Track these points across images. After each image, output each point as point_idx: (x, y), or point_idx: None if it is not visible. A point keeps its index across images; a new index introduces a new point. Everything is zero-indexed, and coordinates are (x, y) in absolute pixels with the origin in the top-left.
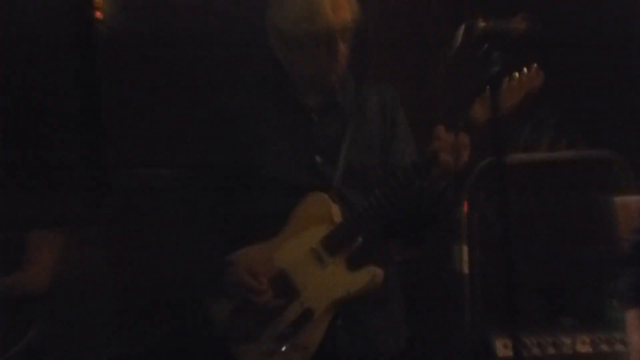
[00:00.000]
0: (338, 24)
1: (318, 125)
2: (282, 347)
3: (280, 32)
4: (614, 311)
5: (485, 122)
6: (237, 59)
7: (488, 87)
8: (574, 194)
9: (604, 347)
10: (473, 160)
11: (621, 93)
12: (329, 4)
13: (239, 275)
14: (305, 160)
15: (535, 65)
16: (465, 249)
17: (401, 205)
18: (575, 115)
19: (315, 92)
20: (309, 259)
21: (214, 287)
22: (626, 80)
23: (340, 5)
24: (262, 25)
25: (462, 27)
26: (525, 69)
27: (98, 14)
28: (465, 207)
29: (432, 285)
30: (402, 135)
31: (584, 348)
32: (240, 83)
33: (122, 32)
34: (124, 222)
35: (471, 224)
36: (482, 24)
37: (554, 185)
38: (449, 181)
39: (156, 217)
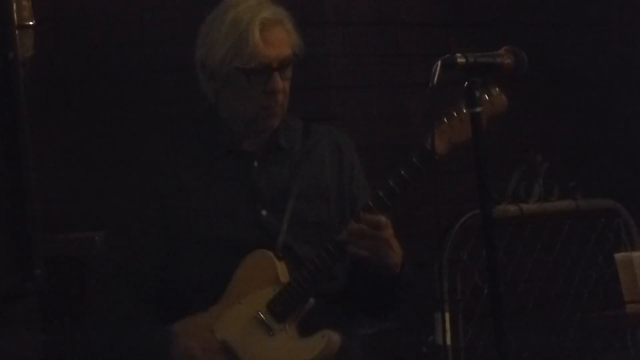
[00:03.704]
0: (272, 57)
1: (261, 173)
2: None
3: (209, 72)
4: None
5: (444, 154)
6: (164, 105)
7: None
8: (571, 250)
9: None
10: (455, 214)
11: (620, 134)
12: (260, 38)
13: (191, 349)
14: (249, 214)
15: (497, 88)
16: (447, 316)
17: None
18: (569, 160)
19: (254, 136)
20: (254, 327)
21: None
22: (624, 120)
23: (275, 39)
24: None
25: (438, 63)
26: (486, 95)
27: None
28: (445, 269)
29: (409, 359)
30: (363, 195)
31: None
32: (168, 130)
33: (43, 74)
34: (52, 297)
35: (453, 287)
36: (460, 59)
37: (548, 240)
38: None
39: (88, 288)
